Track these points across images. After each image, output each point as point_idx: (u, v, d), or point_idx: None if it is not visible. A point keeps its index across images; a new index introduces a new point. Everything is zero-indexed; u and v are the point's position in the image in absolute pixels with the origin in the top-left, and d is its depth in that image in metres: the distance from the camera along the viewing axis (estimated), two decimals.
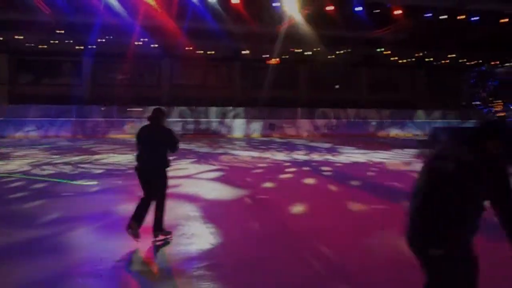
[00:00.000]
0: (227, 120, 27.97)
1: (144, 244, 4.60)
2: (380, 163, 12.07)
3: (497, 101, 13.29)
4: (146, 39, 26.05)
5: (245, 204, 6.70)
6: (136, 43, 26.41)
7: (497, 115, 13.33)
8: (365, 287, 3.65)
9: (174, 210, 6.03)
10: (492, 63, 15.80)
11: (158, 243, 4.64)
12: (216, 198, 7.05)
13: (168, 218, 5.24)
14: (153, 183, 4.91)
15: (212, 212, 6.08)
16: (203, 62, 30.39)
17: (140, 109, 27.15)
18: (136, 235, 4.66)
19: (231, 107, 28.63)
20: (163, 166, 4.96)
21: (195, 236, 4.92)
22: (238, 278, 3.75)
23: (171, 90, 30.26)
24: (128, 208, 5.19)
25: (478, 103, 13.88)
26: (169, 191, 5.01)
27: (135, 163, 5.00)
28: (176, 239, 4.83)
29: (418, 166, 2.46)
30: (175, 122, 26.67)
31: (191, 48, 28.15)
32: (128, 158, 12.53)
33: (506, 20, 22.69)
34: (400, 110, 30.67)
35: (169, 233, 4.93)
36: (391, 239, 4.64)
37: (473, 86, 13.95)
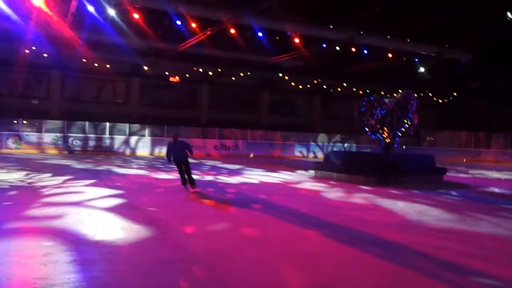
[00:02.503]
0: (132, 138, 26.68)
1: (28, 270, 3.97)
2: (283, 183, 12.23)
3: (384, 128, 14.24)
4: (36, 48, 24.07)
5: (141, 227, 6.22)
6: (26, 50, 24.31)
7: (385, 141, 14.29)
8: None
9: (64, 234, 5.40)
10: (382, 93, 17.14)
11: (48, 264, 4.00)
12: (114, 224, 6.45)
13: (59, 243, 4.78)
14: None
15: (107, 234, 5.51)
16: (100, 76, 29.00)
17: (25, 122, 24.94)
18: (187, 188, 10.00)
19: (132, 124, 27.45)
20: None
21: (89, 263, 4.37)
22: None
23: (63, 103, 28.31)
24: None
25: (367, 129, 14.76)
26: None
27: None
28: (67, 266, 4.25)
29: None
30: (65, 136, 24.89)
31: (85, 60, 26.70)
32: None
33: (391, 55, 24.94)
34: (302, 133, 31.91)
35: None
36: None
37: (363, 114, 14.82)
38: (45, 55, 25.94)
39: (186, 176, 10.10)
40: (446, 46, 23.02)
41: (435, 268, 4.60)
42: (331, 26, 21.00)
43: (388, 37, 22.09)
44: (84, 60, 26.81)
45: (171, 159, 10.15)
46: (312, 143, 31.62)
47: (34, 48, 24.17)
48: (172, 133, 13.92)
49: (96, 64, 27.50)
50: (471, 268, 4.61)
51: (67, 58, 25.89)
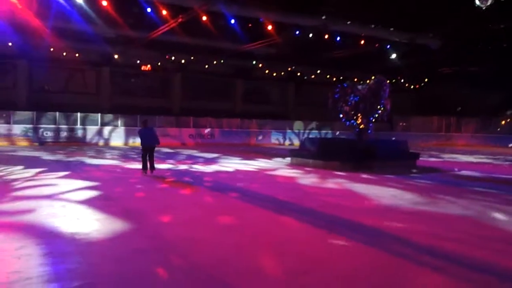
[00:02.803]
0: (105, 128, 26.15)
1: (1, 264, 3.85)
2: (264, 170, 12.24)
3: (358, 115, 14.39)
4: (0, 37, 23.21)
5: (116, 218, 6.11)
6: None
7: (359, 127, 14.44)
8: None
9: (37, 229, 5.27)
10: (355, 79, 17.33)
11: (23, 258, 3.87)
12: (91, 214, 6.31)
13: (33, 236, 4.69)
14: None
15: (81, 226, 5.39)
16: (69, 65, 28.25)
17: None
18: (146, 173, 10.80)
19: (105, 114, 26.87)
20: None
21: (64, 255, 4.27)
22: None
23: (31, 94, 27.47)
24: None
25: (341, 116, 14.89)
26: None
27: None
28: (41, 259, 4.14)
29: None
30: (36, 127, 24.25)
31: (52, 49, 25.93)
32: None
33: (363, 42, 25.18)
34: (277, 120, 31.96)
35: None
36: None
37: (336, 101, 14.93)
38: (10, 44, 25.08)
39: (148, 163, 10.97)
40: (417, 32, 23.36)
41: (412, 251, 4.69)
42: (303, 13, 21.00)
43: (360, 23, 22.27)
44: (51, 49, 26.03)
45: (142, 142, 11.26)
46: (288, 130, 31.72)
47: None
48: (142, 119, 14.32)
49: (64, 53, 26.77)
50: (445, 250, 4.71)
51: (34, 47, 25.06)
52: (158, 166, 11.98)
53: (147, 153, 10.97)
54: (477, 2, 16.73)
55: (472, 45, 24.86)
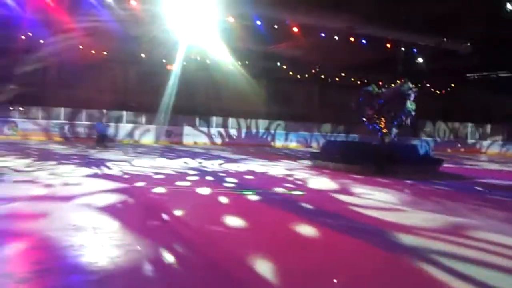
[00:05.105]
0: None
1: (23, 257, 3.97)
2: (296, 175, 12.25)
3: (381, 118, 14.23)
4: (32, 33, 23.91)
5: (139, 214, 6.23)
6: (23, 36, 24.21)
7: (382, 131, 14.29)
8: None
9: (61, 220, 5.42)
10: (380, 83, 17.19)
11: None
12: (108, 207, 6.43)
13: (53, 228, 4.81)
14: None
15: (107, 222, 5.49)
16: (98, 63, 28.80)
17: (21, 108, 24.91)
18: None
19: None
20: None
21: (85, 248, 4.37)
22: None
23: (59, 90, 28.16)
24: None
25: (365, 119, 14.76)
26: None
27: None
28: (62, 250, 4.25)
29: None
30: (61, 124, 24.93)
31: (82, 47, 26.50)
32: None
33: (389, 45, 24.93)
34: (303, 122, 31.96)
35: None
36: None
37: (361, 104, 14.80)
38: (41, 41, 25.77)
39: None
40: (444, 37, 23.01)
41: (426, 254, 4.60)
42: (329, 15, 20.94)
43: (386, 26, 22.07)
44: (81, 47, 26.62)
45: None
46: (313, 133, 31.66)
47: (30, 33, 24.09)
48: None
49: (93, 51, 27.35)
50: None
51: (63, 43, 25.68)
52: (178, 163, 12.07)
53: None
54: (510, 7, 16.37)
55: (501, 50, 24.29)
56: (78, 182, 8.76)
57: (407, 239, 5.18)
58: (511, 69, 28.28)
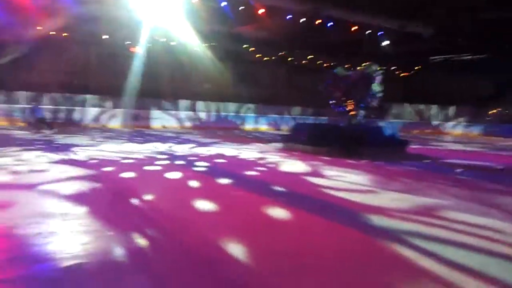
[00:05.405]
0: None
1: None
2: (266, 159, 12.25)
3: (349, 100, 14.41)
4: None
5: (107, 198, 6.10)
6: None
7: (350, 113, 14.48)
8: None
9: (29, 207, 5.24)
10: (346, 65, 17.33)
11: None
12: (77, 193, 6.26)
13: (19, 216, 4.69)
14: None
15: (75, 208, 5.34)
16: (57, 45, 27.77)
17: None
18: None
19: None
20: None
21: (54, 235, 4.24)
22: (103, 281, 3.28)
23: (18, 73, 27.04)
24: None
25: (332, 102, 14.91)
26: None
27: None
28: (31, 238, 4.10)
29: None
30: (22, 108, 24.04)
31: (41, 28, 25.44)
32: None
33: (356, 27, 25.12)
34: (274, 106, 32.01)
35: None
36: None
37: (328, 87, 14.94)
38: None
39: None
40: (408, 20, 23.38)
41: (395, 233, 4.72)
42: None
43: (352, 9, 22.23)
44: (39, 28, 25.57)
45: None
46: (283, 116, 31.81)
47: None
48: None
49: (53, 33, 26.31)
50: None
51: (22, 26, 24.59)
52: (147, 147, 11.89)
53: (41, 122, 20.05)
54: None
55: (463, 33, 24.90)
56: (44, 168, 8.49)
57: (377, 220, 5.30)
58: (474, 52, 29.07)
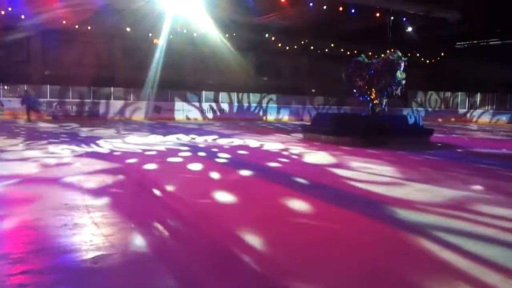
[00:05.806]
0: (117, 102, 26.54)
1: (17, 238, 3.92)
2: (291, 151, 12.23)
3: (372, 89, 14.19)
4: (12, 9, 23.20)
5: (130, 190, 6.18)
6: (1, 12, 23.48)
7: (373, 102, 14.26)
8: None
9: (54, 199, 5.34)
10: (369, 53, 16.97)
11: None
12: (100, 185, 6.37)
13: (45, 208, 4.75)
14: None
15: (99, 200, 5.43)
16: (82, 38, 28.18)
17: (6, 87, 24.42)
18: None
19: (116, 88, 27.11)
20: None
21: (78, 227, 4.32)
22: (127, 272, 3.32)
23: (44, 67, 27.58)
24: None
25: (355, 91, 14.70)
26: None
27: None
28: (56, 230, 4.19)
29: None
30: (49, 102, 24.51)
31: (65, 22, 25.83)
32: None
33: (378, 14, 24.66)
34: (294, 95, 31.81)
35: None
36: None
37: (350, 75, 14.72)
38: (23, 16, 25.06)
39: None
40: (433, 4, 22.79)
41: (418, 225, 4.63)
42: None
43: None
44: (64, 22, 25.96)
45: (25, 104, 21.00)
46: (305, 106, 31.59)
47: (9, 10, 23.39)
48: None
49: (77, 26, 26.72)
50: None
51: (47, 20, 25.02)
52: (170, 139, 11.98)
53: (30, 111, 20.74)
54: None
55: (490, 18, 24.16)
56: (69, 161, 8.66)
57: (401, 212, 5.21)
58: (501, 37, 28.21)
